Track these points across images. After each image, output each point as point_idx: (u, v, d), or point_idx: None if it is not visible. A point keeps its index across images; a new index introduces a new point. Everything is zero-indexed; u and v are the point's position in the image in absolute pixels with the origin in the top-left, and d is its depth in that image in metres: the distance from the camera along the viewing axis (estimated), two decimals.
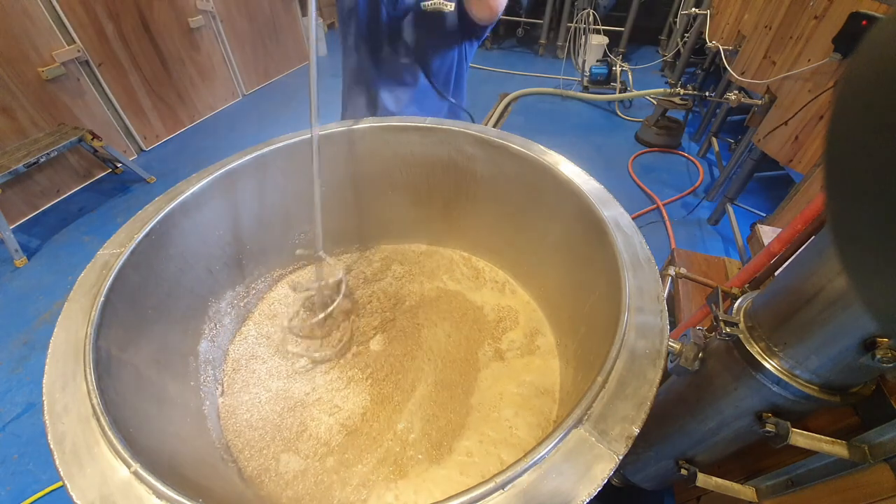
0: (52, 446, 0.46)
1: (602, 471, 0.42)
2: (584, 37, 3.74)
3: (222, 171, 0.82)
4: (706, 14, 2.87)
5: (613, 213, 0.71)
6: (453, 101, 1.21)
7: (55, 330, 0.56)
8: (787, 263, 0.82)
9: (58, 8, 2.24)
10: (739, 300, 0.59)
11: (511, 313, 0.98)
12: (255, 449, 0.75)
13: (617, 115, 3.34)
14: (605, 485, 0.41)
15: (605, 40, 3.63)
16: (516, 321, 0.96)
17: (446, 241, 1.15)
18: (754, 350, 0.52)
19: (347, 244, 1.13)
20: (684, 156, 2.86)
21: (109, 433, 0.46)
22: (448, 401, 0.82)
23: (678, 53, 3.57)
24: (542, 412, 0.80)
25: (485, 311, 0.99)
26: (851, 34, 1.36)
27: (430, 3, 0.95)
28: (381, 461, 0.74)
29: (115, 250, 0.66)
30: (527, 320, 0.97)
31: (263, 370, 0.87)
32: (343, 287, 0.90)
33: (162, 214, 0.72)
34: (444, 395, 0.83)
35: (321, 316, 0.88)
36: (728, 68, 2.24)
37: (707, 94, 2.43)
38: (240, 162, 0.85)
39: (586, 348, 0.73)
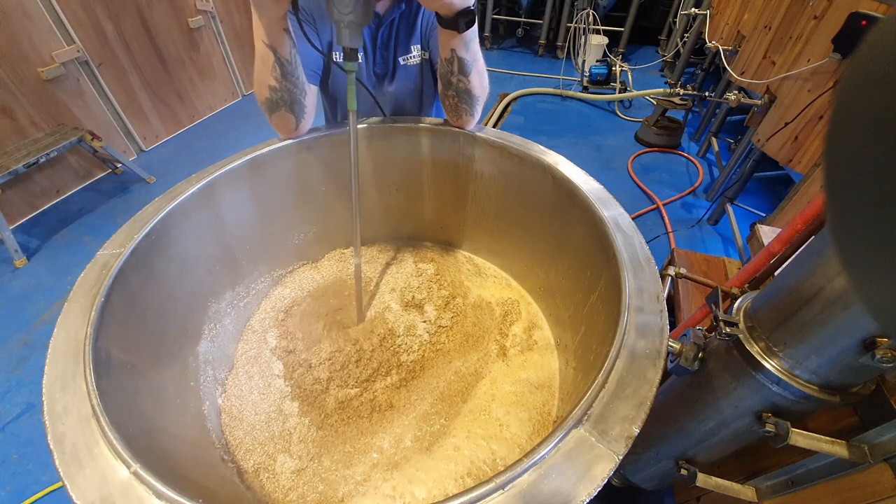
0: (51, 447, 0.46)
1: (602, 471, 0.42)
2: (583, 37, 3.74)
3: (222, 171, 0.82)
4: (706, 14, 2.87)
5: (613, 213, 0.71)
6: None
7: (55, 330, 0.56)
8: (786, 263, 0.83)
9: (57, 8, 2.24)
10: (739, 300, 0.59)
11: (514, 306, 0.99)
12: (255, 449, 0.75)
13: (617, 115, 3.35)
14: (605, 485, 0.41)
15: (604, 40, 3.63)
16: (520, 314, 0.98)
17: (444, 240, 1.15)
18: (754, 350, 0.52)
19: (343, 246, 1.13)
20: (684, 156, 2.86)
21: (109, 433, 0.46)
22: (446, 409, 0.81)
23: (678, 53, 3.57)
24: (536, 406, 0.80)
25: (492, 306, 0.99)
26: (851, 34, 1.36)
27: (410, 56, 0.95)
28: (374, 465, 0.74)
29: (114, 251, 0.66)
30: (525, 313, 0.98)
31: (264, 371, 0.87)
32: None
33: (162, 215, 0.72)
34: (443, 405, 0.82)
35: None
36: (728, 68, 2.24)
37: (707, 94, 2.42)
38: (240, 162, 0.85)
39: (586, 348, 0.73)
